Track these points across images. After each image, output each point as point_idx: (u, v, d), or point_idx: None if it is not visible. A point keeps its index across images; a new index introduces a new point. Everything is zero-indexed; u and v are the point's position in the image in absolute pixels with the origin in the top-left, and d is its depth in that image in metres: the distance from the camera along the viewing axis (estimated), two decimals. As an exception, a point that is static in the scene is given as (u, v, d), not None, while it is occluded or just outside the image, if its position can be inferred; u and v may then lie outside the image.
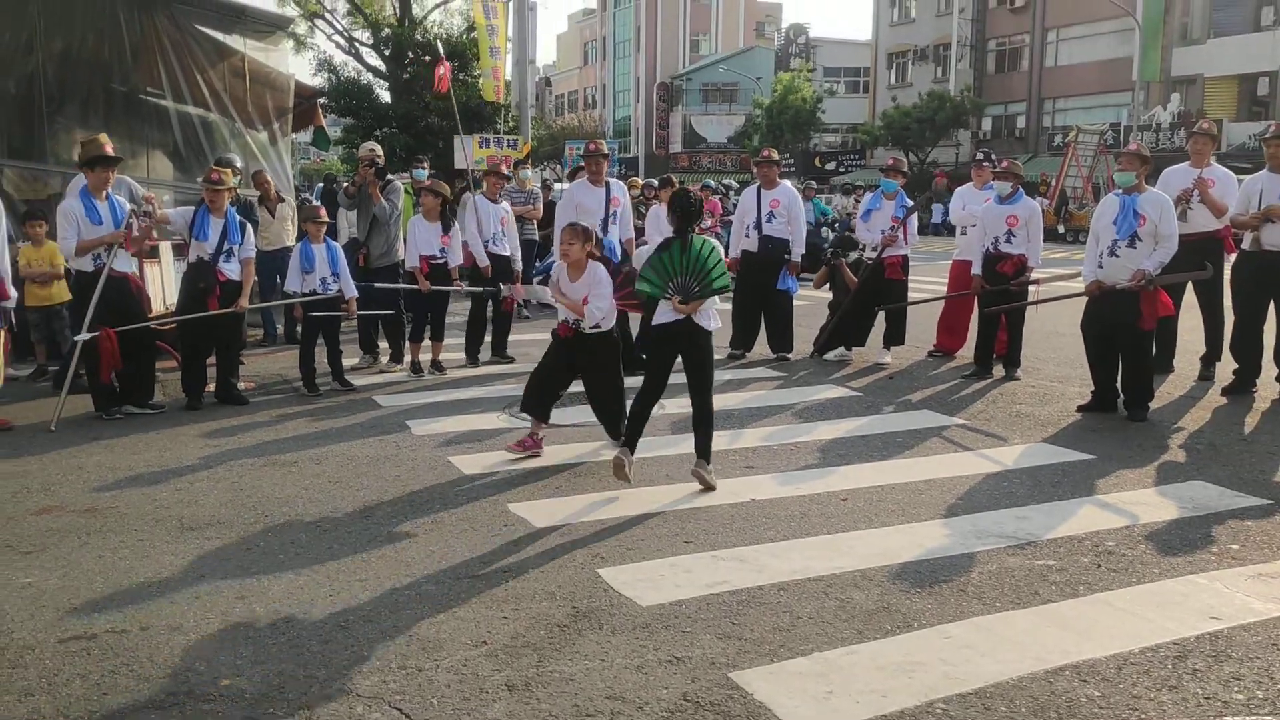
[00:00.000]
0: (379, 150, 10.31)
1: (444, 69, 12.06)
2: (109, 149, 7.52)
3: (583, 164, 10.95)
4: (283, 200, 11.36)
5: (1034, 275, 8.94)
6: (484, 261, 9.60)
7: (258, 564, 4.58)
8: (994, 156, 11.36)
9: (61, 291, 8.84)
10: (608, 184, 9.26)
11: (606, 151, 9.66)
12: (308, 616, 4.00)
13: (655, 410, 7.61)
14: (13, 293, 7.41)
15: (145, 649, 3.71)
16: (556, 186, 17.85)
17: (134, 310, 7.63)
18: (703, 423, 5.78)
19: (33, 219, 9.03)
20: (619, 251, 9.22)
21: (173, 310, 8.82)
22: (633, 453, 5.75)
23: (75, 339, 7.40)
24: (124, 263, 7.53)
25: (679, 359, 5.88)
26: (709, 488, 5.69)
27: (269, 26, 13.30)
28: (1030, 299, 9.03)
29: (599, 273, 6.25)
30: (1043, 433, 7.11)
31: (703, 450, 5.78)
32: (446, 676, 3.51)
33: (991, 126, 48.08)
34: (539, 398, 6.42)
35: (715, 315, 5.85)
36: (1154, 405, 7.60)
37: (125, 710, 3.29)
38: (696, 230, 5.78)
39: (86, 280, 7.39)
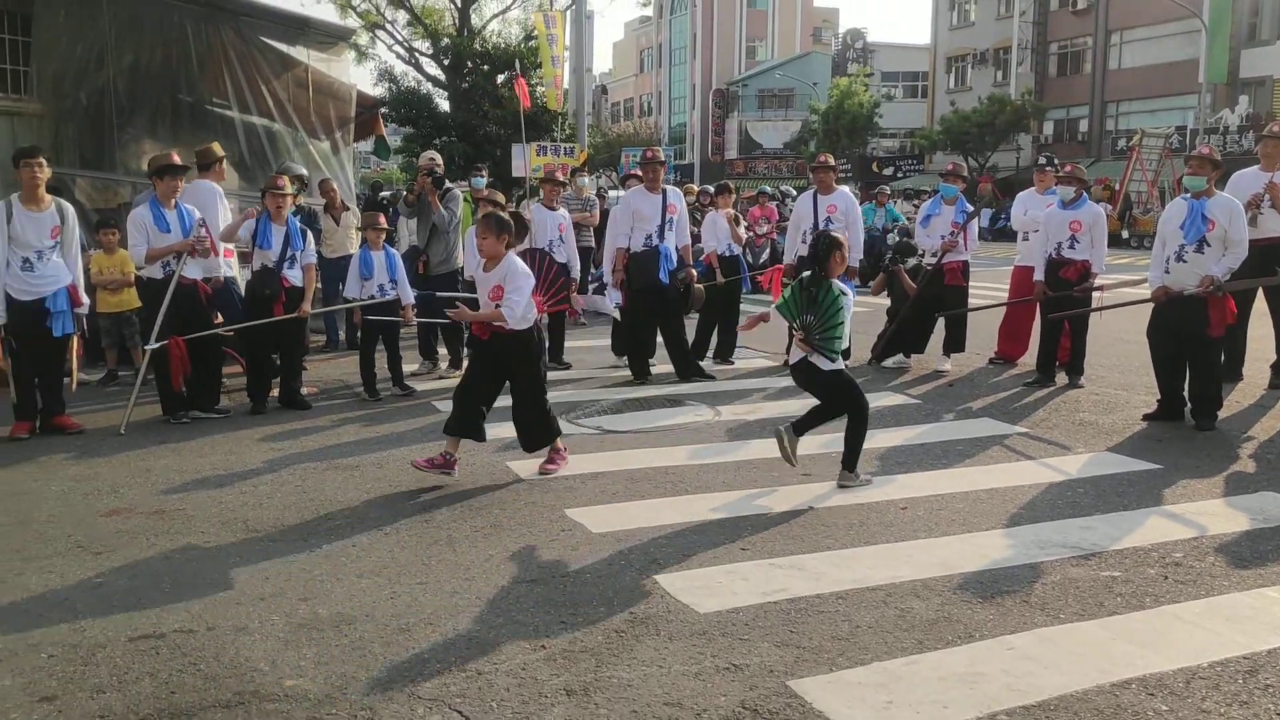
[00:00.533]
0: (438, 159, 10.44)
1: (523, 86, 12.30)
2: (175, 159, 7.69)
3: (635, 171, 11.01)
4: (347, 209, 11.55)
5: (1098, 281, 8.79)
6: None
7: (320, 566, 4.65)
8: (1056, 161, 11.18)
9: (132, 298, 9.09)
10: (664, 191, 9.29)
11: (663, 159, 9.69)
12: (370, 619, 4.05)
13: (711, 416, 7.70)
14: (86, 299, 7.62)
15: (212, 649, 3.79)
16: (611, 194, 17.92)
17: (202, 317, 7.79)
18: (849, 438, 5.93)
19: (105, 227, 9.28)
20: (675, 258, 9.25)
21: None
22: (798, 436, 5.93)
23: (145, 347, 7.58)
24: (193, 270, 7.69)
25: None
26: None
27: (331, 38, 13.52)
28: (1094, 305, 8.87)
29: (515, 265, 5.95)
30: (1107, 442, 6.99)
31: (846, 461, 5.95)
32: (505, 680, 3.54)
33: (1053, 130, 47.26)
34: (462, 414, 5.94)
35: (834, 359, 5.83)
36: (1222, 414, 7.44)
37: (193, 708, 3.37)
38: (829, 267, 5.76)
39: (156, 287, 7.57)
